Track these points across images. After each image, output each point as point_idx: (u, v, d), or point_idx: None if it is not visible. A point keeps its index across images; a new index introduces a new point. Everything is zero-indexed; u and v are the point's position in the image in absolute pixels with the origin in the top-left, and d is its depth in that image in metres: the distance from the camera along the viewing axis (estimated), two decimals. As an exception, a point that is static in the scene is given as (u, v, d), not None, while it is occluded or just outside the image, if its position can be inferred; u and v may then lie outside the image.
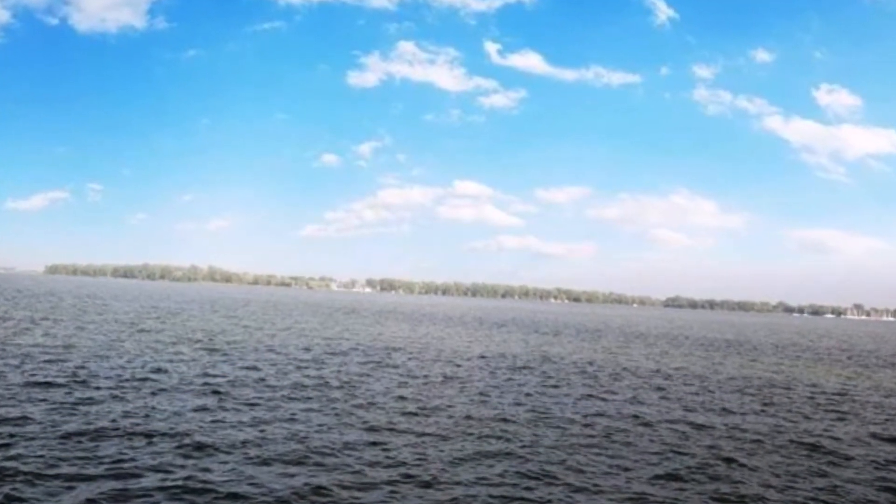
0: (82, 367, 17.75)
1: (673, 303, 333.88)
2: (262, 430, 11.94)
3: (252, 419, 12.81)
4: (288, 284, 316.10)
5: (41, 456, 9.62)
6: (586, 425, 14.10)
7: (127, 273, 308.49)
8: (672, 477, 10.59)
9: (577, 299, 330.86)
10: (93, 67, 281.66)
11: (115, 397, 14.03)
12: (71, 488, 8.49)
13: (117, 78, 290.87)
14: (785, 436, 14.18)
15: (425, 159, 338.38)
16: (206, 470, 9.51)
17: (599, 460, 11.31)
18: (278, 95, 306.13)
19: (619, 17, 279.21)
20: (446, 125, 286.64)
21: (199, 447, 10.58)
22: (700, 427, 14.60)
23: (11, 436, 10.58)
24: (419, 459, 10.70)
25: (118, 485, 8.69)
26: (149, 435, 11.09)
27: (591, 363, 27.56)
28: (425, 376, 20.55)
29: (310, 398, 15.43)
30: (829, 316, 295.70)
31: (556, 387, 19.67)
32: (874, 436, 14.85)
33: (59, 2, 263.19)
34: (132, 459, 9.73)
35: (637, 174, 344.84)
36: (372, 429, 12.65)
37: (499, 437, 12.52)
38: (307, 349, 26.68)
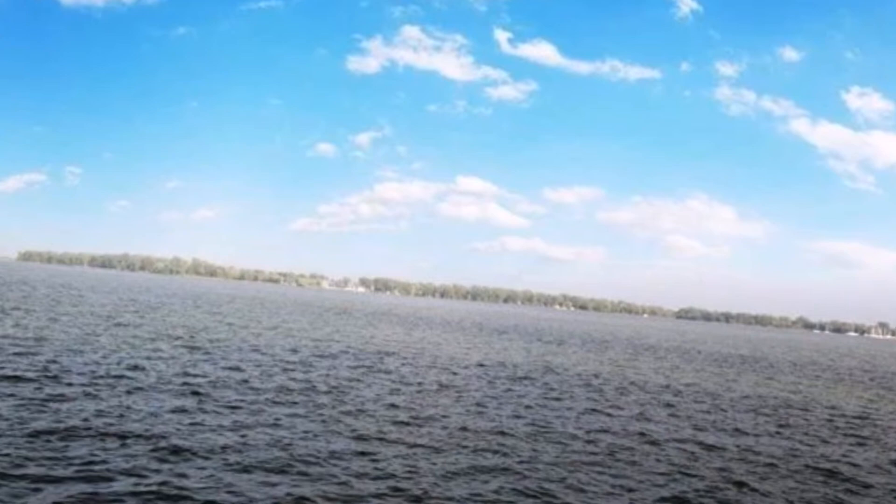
0: (54, 362, 17.75)
1: (686, 314, 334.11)
2: (243, 435, 11.94)
3: (233, 423, 12.81)
4: (276, 281, 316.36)
5: (7, 455, 9.61)
6: (589, 441, 14.10)
7: (105, 263, 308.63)
8: (679, 500, 10.59)
9: (583, 307, 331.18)
10: (76, 43, 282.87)
11: (87, 395, 14.03)
12: (37, 490, 8.49)
13: (102, 55, 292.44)
14: (800, 460, 14.19)
15: (427, 152, 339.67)
16: (183, 475, 9.51)
17: (602, 479, 11.31)
18: (273, 79, 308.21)
19: (639, 8, 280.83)
20: (451, 117, 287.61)
21: (176, 451, 10.58)
22: (710, 448, 14.61)
23: (-24, 432, 10.58)
24: (410, 472, 10.70)
25: (88, 488, 8.69)
26: (122, 436, 11.10)
27: (596, 376, 27.57)
28: (419, 384, 20.55)
29: (295, 403, 15.44)
30: (852, 334, 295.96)
31: (558, 399, 19.68)
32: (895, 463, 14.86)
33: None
34: (104, 461, 9.73)
35: (652, 176, 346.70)
36: (360, 438, 12.65)
37: (495, 451, 12.52)
38: (294, 350, 26.69)
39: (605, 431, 15.37)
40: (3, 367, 16.17)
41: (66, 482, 8.84)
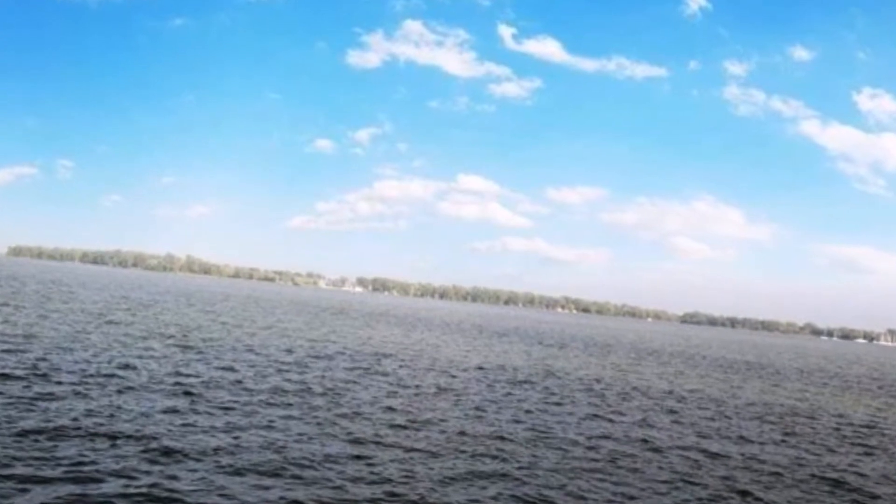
0: (43, 360, 17.75)
1: (691, 318, 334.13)
2: (236, 437, 11.94)
3: (226, 424, 12.81)
4: (272, 279, 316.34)
5: (-6, 454, 9.62)
6: (590, 448, 14.11)
7: (97, 259, 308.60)
8: (681, 508, 10.59)
9: (586, 310, 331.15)
10: (70, 34, 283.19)
11: (77, 394, 14.03)
12: (25, 490, 8.49)
13: (96, 46, 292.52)
14: (806, 469, 14.19)
15: (428, 150, 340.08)
16: (174, 477, 9.52)
17: (603, 487, 11.31)
18: (271, 73, 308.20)
19: (647, 4, 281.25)
20: (452, 114, 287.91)
21: (167, 452, 10.59)
22: (714, 455, 14.61)
23: (-37, 430, 10.59)
24: (406, 477, 10.70)
25: (77, 489, 8.69)
26: (113, 436, 11.10)
27: (598, 380, 27.58)
28: (417, 386, 20.56)
29: (290, 404, 15.44)
30: (861, 341, 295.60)
31: (559, 404, 19.68)
32: (904, 474, 14.85)
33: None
34: (93, 462, 9.73)
35: (658, 177, 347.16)
36: (356, 441, 12.66)
37: (494, 457, 12.52)
38: (289, 351, 26.70)
39: (607, 438, 15.38)
40: (-9, 365, 16.17)
41: (54, 483, 8.84)
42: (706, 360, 50.42)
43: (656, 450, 14.58)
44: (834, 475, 13.85)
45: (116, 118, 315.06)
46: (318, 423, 13.79)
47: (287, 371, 20.76)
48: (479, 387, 21.98)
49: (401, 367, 25.48)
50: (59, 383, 14.89)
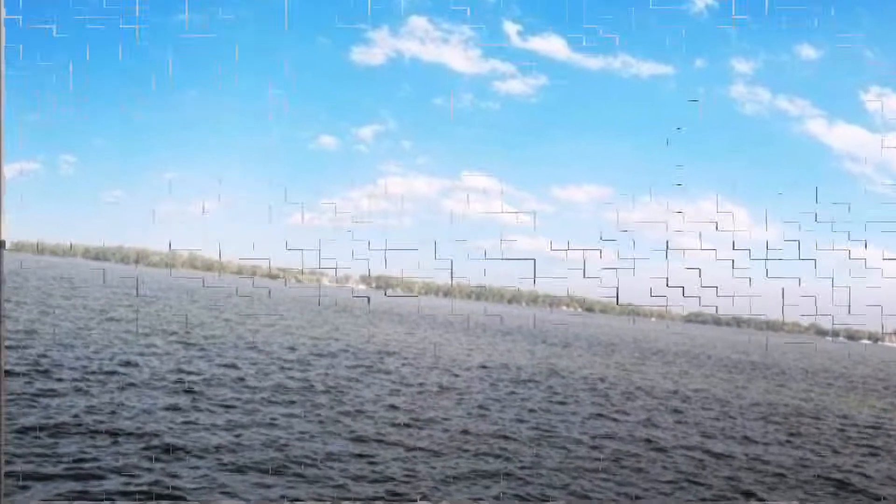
0: (45, 356, 17.78)
1: (695, 318, 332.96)
2: (237, 435, 11.95)
3: (227, 422, 12.83)
4: (275, 276, 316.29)
5: (-5, 450, 9.64)
6: (594, 447, 14.09)
7: (99, 255, 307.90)
8: (685, 509, 10.58)
9: (590, 309, 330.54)
10: (69, 30, 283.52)
11: (78, 391, 14.06)
12: (26, 487, 8.51)
13: (97, 43, 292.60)
14: (811, 470, 14.16)
15: (432, 147, 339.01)
16: (175, 475, 9.53)
17: (606, 486, 11.30)
18: (274, 69, 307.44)
19: (652, 2, 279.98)
20: (457, 111, 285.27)
21: (169, 450, 10.60)
22: (718, 456, 14.58)
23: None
24: (409, 476, 10.70)
25: (78, 486, 8.71)
26: (114, 433, 11.12)
27: (602, 380, 27.54)
28: (420, 385, 20.55)
29: (292, 402, 15.45)
30: (866, 342, 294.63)
31: (562, 403, 19.66)
32: (910, 475, 14.81)
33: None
34: (94, 459, 9.76)
35: (663, 175, 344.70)
36: (358, 439, 12.66)
37: (497, 456, 12.51)
38: (292, 348, 26.71)
39: (611, 437, 15.35)
40: (-8, 361, 16.20)
41: (55, 479, 8.86)
42: (711, 360, 50.33)
43: (660, 450, 14.55)
44: (839, 476, 13.81)
45: (118, 113, 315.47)
46: (321, 422, 13.79)
47: (289, 369, 20.76)
48: (483, 385, 21.97)
49: (403, 365, 25.48)
50: (61, 380, 14.92)
